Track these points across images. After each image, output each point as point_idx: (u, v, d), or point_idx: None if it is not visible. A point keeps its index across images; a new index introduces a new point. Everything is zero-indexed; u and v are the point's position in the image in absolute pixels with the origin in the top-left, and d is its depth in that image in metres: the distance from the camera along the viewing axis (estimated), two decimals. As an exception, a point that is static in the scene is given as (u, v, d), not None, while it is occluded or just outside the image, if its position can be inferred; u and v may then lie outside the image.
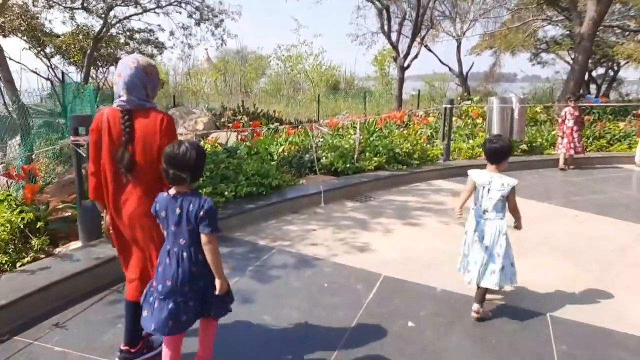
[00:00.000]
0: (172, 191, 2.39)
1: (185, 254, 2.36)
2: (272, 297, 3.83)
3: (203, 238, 2.34)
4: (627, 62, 26.46)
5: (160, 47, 16.60)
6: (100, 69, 18.35)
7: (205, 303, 2.45)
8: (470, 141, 9.87)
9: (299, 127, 13.08)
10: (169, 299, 2.36)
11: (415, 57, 17.16)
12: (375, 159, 7.95)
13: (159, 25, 15.67)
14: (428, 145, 9.22)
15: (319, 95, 21.59)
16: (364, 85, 33.66)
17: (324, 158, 7.83)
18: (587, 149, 10.02)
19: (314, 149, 6.77)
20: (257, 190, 6.05)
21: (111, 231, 2.75)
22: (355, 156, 7.53)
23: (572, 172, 8.96)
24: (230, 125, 13.81)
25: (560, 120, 9.24)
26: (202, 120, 13.46)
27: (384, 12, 15.84)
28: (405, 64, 16.47)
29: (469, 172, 3.70)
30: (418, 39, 17.27)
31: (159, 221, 2.46)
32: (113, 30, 15.32)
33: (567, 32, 25.57)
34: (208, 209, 2.31)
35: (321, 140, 8.69)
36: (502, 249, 3.48)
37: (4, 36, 15.09)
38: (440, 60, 24.20)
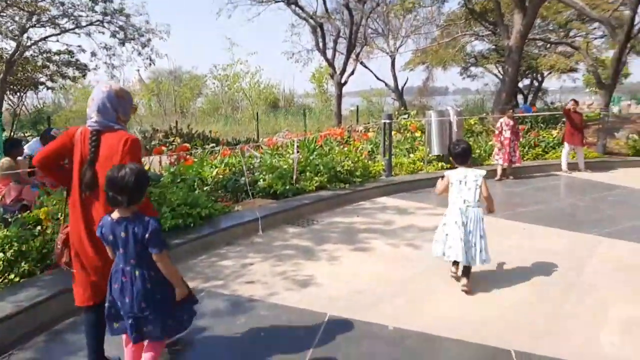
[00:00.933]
0: (115, 215, 2.45)
1: (137, 273, 2.46)
2: (196, 358, 3.18)
3: (154, 257, 2.45)
4: (550, 73, 27.80)
5: (83, 69, 15.41)
6: (18, 93, 16.85)
7: (167, 321, 2.56)
8: (412, 155, 9.61)
9: (236, 147, 12.45)
10: (128, 314, 2.48)
11: (352, 73, 17.02)
12: (317, 178, 7.46)
13: (79, 47, 14.44)
14: (369, 162, 8.85)
15: (257, 113, 21.01)
16: (303, 102, 33.42)
17: (261, 180, 7.24)
18: (524, 158, 10.04)
19: (245, 171, 6.16)
20: (184, 222, 5.36)
21: (59, 246, 2.81)
22: (295, 177, 6.99)
23: (512, 183, 8.87)
24: (163, 149, 12.97)
25: (497, 131, 9.14)
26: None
27: (318, 29, 15.59)
28: (343, 81, 16.25)
29: (445, 173, 4.33)
30: (353, 56, 17.14)
31: (106, 244, 2.52)
32: (29, 53, 14.04)
33: (494, 47, 26.56)
34: (152, 231, 2.41)
35: (258, 161, 8.10)
36: (483, 232, 4.12)
37: None
38: (376, 76, 24.34)
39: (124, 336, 2.69)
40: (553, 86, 34.45)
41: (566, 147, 9.79)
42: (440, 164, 9.29)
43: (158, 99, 30.12)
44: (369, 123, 17.22)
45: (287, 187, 7.05)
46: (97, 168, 2.60)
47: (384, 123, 8.68)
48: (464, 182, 4.13)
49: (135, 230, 2.41)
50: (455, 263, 4.21)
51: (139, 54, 14.18)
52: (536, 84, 29.98)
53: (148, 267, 2.48)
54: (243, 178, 7.46)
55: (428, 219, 6.42)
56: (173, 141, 13.39)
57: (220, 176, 8.07)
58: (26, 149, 7.14)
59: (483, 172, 4.17)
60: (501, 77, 28.51)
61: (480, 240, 4.06)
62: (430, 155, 9.39)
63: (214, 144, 13.21)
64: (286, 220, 6.29)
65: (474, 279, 4.19)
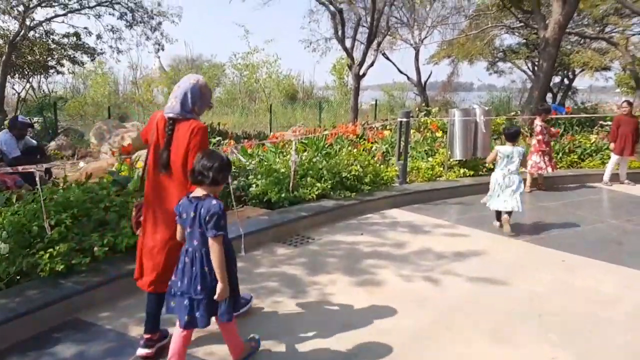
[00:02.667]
0: (192, 195, 2.55)
1: (197, 255, 2.53)
2: None
3: (209, 240, 2.48)
4: (582, 70, 26.11)
5: (92, 53, 14.60)
6: (26, 77, 16.14)
7: (215, 303, 2.56)
8: (430, 159, 8.46)
9: (240, 142, 11.46)
10: (185, 295, 2.54)
11: (372, 64, 15.80)
12: (319, 185, 6.40)
13: (85, 28, 13.61)
14: (382, 165, 7.74)
15: (270, 105, 19.97)
16: (323, 95, 32.26)
17: (254, 185, 6.23)
18: (558, 166, 8.80)
19: (230, 183, 5.17)
20: (148, 240, 4.36)
21: (140, 219, 3.02)
22: (292, 183, 5.95)
23: (544, 195, 7.66)
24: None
25: (538, 136, 7.84)
26: (130, 136, 11.62)
27: (337, 16, 14.41)
28: (361, 72, 15.06)
29: (497, 147, 5.76)
30: (374, 46, 15.93)
31: (179, 222, 2.61)
32: (33, 34, 13.26)
33: (524, 40, 25.00)
34: (213, 213, 2.44)
35: (247, 163, 7.07)
36: (520, 190, 5.50)
37: None
38: (398, 69, 23.13)
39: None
40: (582, 85, 32.57)
41: (614, 157, 8.47)
42: (462, 171, 8.12)
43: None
44: (386, 120, 16.09)
45: (283, 195, 6.02)
46: (171, 149, 2.78)
47: (400, 122, 7.55)
48: (510, 157, 5.53)
49: (202, 210, 2.46)
50: (498, 215, 5.72)
51: (147, 38, 13.25)
52: (566, 82, 28.32)
53: (208, 251, 2.50)
54: (235, 182, 6.48)
55: (447, 240, 5.33)
56: (177, 133, 12.51)
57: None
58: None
59: (523, 149, 5.67)
60: (531, 73, 27.10)
61: (518, 195, 5.49)
62: (451, 160, 8.23)
63: (219, 138, 12.29)
64: (277, 237, 5.26)
65: (521, 340, 3.12)
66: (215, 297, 2.53)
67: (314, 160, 6.94)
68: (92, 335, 3.26)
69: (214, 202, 2.49)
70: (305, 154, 8.78)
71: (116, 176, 5.28)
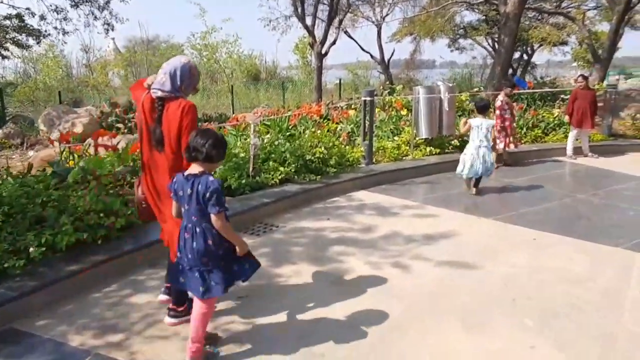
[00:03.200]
0: (187, 172, 2.53)
1: (198, 230, 2.53)
2: None
3: (212, 217, 2.48)
4: (541, 45, 26.39)
5: (37, 35, 13.60)
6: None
7: (230, 270, 2.64)
8: (396, 138, 8.23)
9: (199, 125, 10.94)
10: (193, 269, 2.57)
11: (333, 43, 15.40)
12: (282, 169, 6.06)
13: (27, 9, 12.62)
14: (348, 147, 7.46)
15: (232, 86, 19.33)
16: (287, 75, 31.58)
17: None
18: (522, 141, 8.74)
19: None
20: (91, 236, 3.96)
21: (144, 204, 3.11)
22: (251, 168, 5.59)
23: (510, 171, 7.55)
24: (119, 126, 11.42)
25: (497, 111, 7.74)
26: (82, 122, 10.92)
27: (297, -8, 13.89)
28: (323, 51, 14.64)
29: (469, 120, 6.17)
30: (335, 24, 15.49)
31: (175, 199, 2.63)
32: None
33: (484, 17, 25.00)
34: (213, 190, 2.44)
35: None
36: (489, 159, 6.01)
37: None
38: (361, 47, 22.74)
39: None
40: (540, 60, 33.05)
41: (573, 131, 8.47)
42: (428, 149, 7.94)
43: (132, 69, 28.10)
44: (351, 99, 15.80)
45: (244, 182, 5.66)
46: (163, 128, 2.81)
47: (364, 101, 7.26)
48: (480, 128, 5.95)
49: (199, 187, 2.46)
50: (469, 180, 6.19)
51: (96, 17, 12.41)
52: (525, 57, 28.61)
53: (208, 225, 2.52)
54: (193, 168, 6.06)
55: (416, 222, 5.11)
56: (133, 118, 11.84)
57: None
58: None
59: (492, 122, 6.23)
60: (491, 49, 27.21)
61: (489, 164, 6.00)
62: (417, 138, 8.03)
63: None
64: (238, 227, 4.91)
65: (496, 327, 2.92)
66: (238, 253, 2.64)
67: (277, 143, 6.58)
68: (28, 347, 2.88)
69: (211, 178, 2.49)
70: (268, 136, 8.42)
71: (56, 167, 4.79)
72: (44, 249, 3.63)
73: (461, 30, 27.70)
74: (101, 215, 4.13)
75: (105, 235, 4.06)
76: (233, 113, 16.77)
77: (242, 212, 5.03)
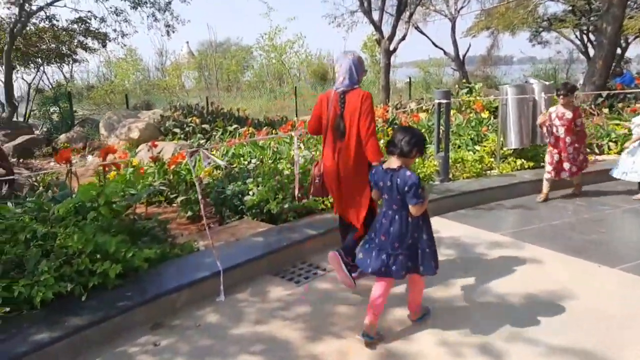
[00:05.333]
0: (385, 166, 2.74)
1: (397, 217, 2.69)
2: None
3: (410, 208, 2.65)
4: (637, 37, 23.20)
5: (102, 38, 13.37)
6: (41, 67, 15.12)
7: (414, 260, 2.72)
8: (477, 148, 6.76)
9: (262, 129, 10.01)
10: (382, 250, 2.71)
11: (403, 38, 13.92)
12: (335, 188, 4.87)
13: (89, 12, 12.36)
14: (417, 160, 6.10)
15: (295, 88, 18.40)
16: (355, 74, 30.25)
17: (250, 192, 4.77)
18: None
19: (196, 184, 3.58)
20: (79, 287, 2.98)
21: (316, 181, 3.53)
22: (296, 191, 4.44)
23: (583, 206, 5.75)
24: (176, 131, 10.76)
25: (546, 123, 5.45)
26: (138, 127, 10.36)
27: (363, -15, 12.61)
28: (391, 47, 13.25)
29: (634, 119, 5.44)
30: (405, 18, 14.03)
31: (376, 188, 2.84)
32: (36, 22, 12.12)
33: (570, 7, 22.31)
34: (411, 184, 2.59)
35: (225, 167, 5.55)
36: None
37: None
38: (433, 43, 20.98)
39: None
40: (630, 54, 29.19)
41: None
42: (519, 162, 6.38)
43: (202, 72, 28.09)
44: (422, 99, 14.26)
45: (287, 206, 4.53)
46: (345, 118, 3.20)
47: (438, 104, 5.88)
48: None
49: (398, 181, 2.63)
50: None
51: (156, 19, 11.86)
52: (619, 50, 25.33)
53: (405, 214, 2.67)
54: (231, 186, 5.03)
55: (510, 271, 3.70)
56: (190, 121, 11.17)
57: (209, 178, 5.72)
58: None
59: None
60: (579, 42, 24.37)
61: None
62: (504, 148, 6.51)
63: (236, 126, 10.89)
64: (274, 268, 3.79)
65: None
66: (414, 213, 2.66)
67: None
68: None
69: (408, 173, 2.62)
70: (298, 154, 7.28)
71: (61, 189, 3.90)
72: (7, 309, 2.69)
73: (544, 22, 25.05)
74: (96, 257, 3.16)
75: (100, 284, 3.08)
76: (296, 116, 15.79)
77: (279, 249, 3.88)
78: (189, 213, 5.22)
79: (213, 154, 7.35)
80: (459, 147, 6.98)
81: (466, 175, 6.02)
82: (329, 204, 4.76)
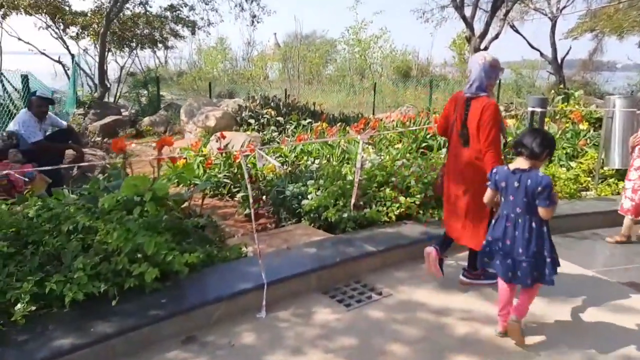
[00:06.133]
0: (512, 166, 2.67)
1: (520, 221, 2.63)
2: None
3: (540, 210, 2.58)
4: None
5: (192, 26, 13.67)
6: (136, 50, 15.83)
7: (541, 269, 2.64)
8: (572, 164, 5.90)
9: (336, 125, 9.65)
10: (508, 255, 2.67)
11: (496, 37, 12.87)
12: (402, 200, 4.37)
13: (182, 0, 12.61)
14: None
15: (375, 84, 17.83)
16: (441, 72, 28.99)
17: (309, 196, 4.40)
18: None
19: (246, 183, 3.19)
20: (114, 288, 2.78)
21: (439, 179, 3.68)
22: (352, 201, 3.98)
23: None
24: (251, 122, 10.69)
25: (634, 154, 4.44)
26: (215, 115, 10.40)
27: (457, -21, 11.76)
28: (482, 46, 12.28)
29: None
30: (500, 15, 12.95)
31: (493, 188, 2.77)
32: (132, 7, 12.61)
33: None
34: (545, 185, 2.54)
35: (279, 167, 5.16)
36: None
37: (28, 13, 12.88)
38: (529, 43, 19.35)
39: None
40: None
41: None
42: (621, 185, 5.47)
43: (286, 64, 28.26)
44: (511, 103, 13.15)
45: (346, 216, 4.11)
46: (468, 126, 3.12)
47: (531, 112, 5.15)
48: None
49: (528, 182, 2.57)
50: None
51: (242, 9, 11.85)
52: None
53: (531, 217, 2.61)
54: (292, 186, 4.71)
55: (608, 325, 3.02)
56: (265, 114, 11.06)
57: (272, 175, 5.45)
58: (12, 125, 5.11)
59: None
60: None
61: None
62: (605, 168, 5.61)
63: (310, 120, 10.61)
64: (324, 285, 3.40)
65: None
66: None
67: (397, 163, 4.89)
68: None
69: (541, 174, 2.59)
70: (399, 145, 6.76)
71: (115, 178, 3.77)
72: (33, 307, 2.54)
73: (659, 25, 22.30)
74: (136, 257, 2.95)
75: (137, 287, 2.87)
76: (373, 113, 15.26)
77: (332, 265, 3.48)
78: (247, 210, 4.98)
79: (280, 149, 7.12)
80: (551, 161, 6.14)
81: (559, 195, 5.23)
82: (393, 217, 4.29)
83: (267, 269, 3.15)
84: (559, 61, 18.55)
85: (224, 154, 6.29)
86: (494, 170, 2.76)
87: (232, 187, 5.80)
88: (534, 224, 2.61)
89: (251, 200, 3.22)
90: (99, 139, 10.34)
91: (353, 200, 3.76)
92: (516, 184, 2.60)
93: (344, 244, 3.80)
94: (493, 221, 2.79)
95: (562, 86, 13.37)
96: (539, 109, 5.10)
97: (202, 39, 21.53)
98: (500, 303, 2.83)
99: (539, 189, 2.53)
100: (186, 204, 4.16)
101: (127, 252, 2.91)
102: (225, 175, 5.90)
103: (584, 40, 23.28)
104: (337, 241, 3.87)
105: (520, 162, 2.63)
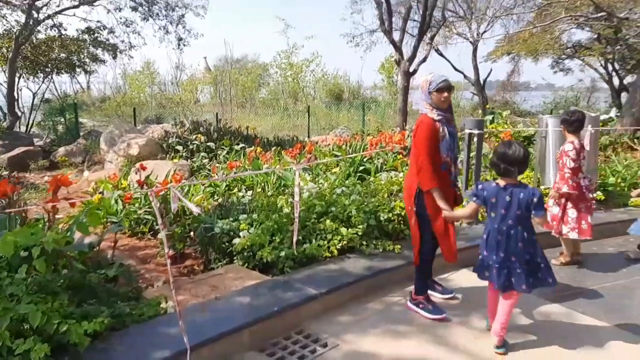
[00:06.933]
0: (501, 182, 2.78)
1: (512, 232, 2.72)
2: None
3: (538, 220, 2.75)
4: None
5: (113, 50, 12.80)
6: (51, 75, 14.59)
7: (535, 275, 2.76)
8: (509, 184, 5.84)
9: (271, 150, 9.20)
10: (503, 266, 2.74)
11: (424, 60, 13.15)
12: (344, 231, 3.99)
13: (98, 22, 11.84)
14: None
15: (309, 107, 17.70)
16: (371, 94, 29.56)
17: (241, 234, 3.91)
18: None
19: (162, 232, 2.69)
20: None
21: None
22: (294, 238, 3.57)
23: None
24: (179, 149, 9.99)
25: (567, 165, 4.05)
26: (138, 143, 9.63)
27: (384, 4, 11.88)
28: (411, 69, 12.46)
29: None
30: (427, 39, 13.26)
31: (478, 202, 2.83)
32: (46, 31, 11.59)
33: (596, 35, 21.41)
34: (540, 196, 2.69)
35: (197, 212, 4.62)
36: None
37: None
38: (453, 66, 20.18)
39: (488, 283, 2.90)
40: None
41: None
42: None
43: (217, 87, 27.59)
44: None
45: (283, 254, 3.66)
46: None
47: (469, 134, 5.02)
48: None
49: (520, 195, 2.69)
50: None
51: (167, 32, 11.24)
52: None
53: (523, 228, 2.73)
54: (220, 224, 4.18)
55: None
56: (195, 139, 10.42)
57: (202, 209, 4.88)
58: None
59: None
60: (603, 71, 23.36)
61: None
62: (542, 187, 5.58)
63: (244, 145, 10.12)
64: (260, 342, 2.91)
65: None
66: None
67: (337, 192, 4.53)
68: None
69: (530, 187, 2.75)
70: (337, 169, 6.45)
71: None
72: None
73: (568, 49, 24.13)
74: (23, 329, 2.33)
75: (20, 367, 2.24)
76: (309, 136, 15.02)
77: (267, 316, 3.00)
78: (170, 252, 4.38)
79: (211, 176, 6.54)
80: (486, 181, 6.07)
81: (498, 218, 5.09)
82: (335, 251, 3.89)
83: (190, 328, 2.62)
84: (482, 82, 19.39)
85: (144, 187, 5.65)
86: (480, 187, 2.84)
87: (154, 223, 5.17)
88: (525, 234, 2.72)
89: (167, 250, 2.68)
90: (5, 173, 9.21)
91: (295, 238, 3.32)
92: (507, 199, 2.70)
93: (282, 289, 3.33)
94: (484, 236, 2.83)
95: (487, 106, 13.85)
96: (476, 131, 4.98)
97: (127, 63, 20.41)
98: (490, 308, 2.98)
99: (535, 200, 2.66)
100: (95, 249, 3.53)
101: (7, 325, 2.28)
102: (145, 211, 5.27)
103: (502, 62, 24.71)
104: (274, 285, 3.40)
105: (508, 179, 2.75)
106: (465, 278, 3.92)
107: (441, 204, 3.05)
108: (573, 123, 4.05)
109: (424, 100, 3.15)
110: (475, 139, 4.99)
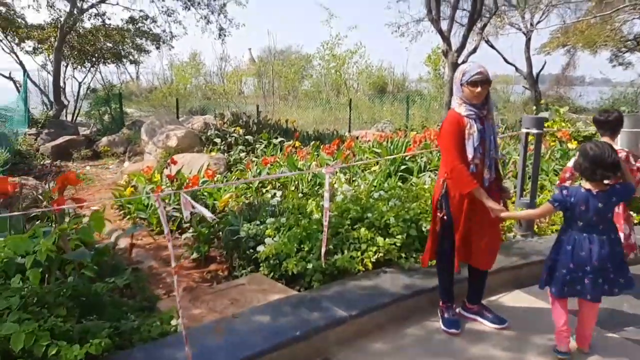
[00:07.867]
0: (588, 186, 2.52)
1: (604, 237, 2.54)
2: None
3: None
4: None
5: (156, 40, 12.76)
6: (97, 65, 14.77)
7: (605, 281, 2.58)
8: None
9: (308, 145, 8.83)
10: (597, 275, 2.54)
11: (473, 51, 12.36)
12: (380, 241, 3.55)
13: (141, 11, 11.78)
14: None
15: (350, 100, 17.15)
16: (417, 87, 28.58)
17: (266, 240, 3.54)
18: None
19: (167, 234, 2.32)
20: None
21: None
22: (323, 250, 3.15)
23: None
24: (217, 141, 9.76)
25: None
26: (177, 134, 9.47)
27: (432, -9, 11.18)
28: (460, 61, 11.71)
29: None
30: (477, 29, 12.44)
31: (560, 208, 2.59)
32: (88, 20, 11.67)
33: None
34: (634, 191, 2.60)
35: (210, 217, 4.21)
36: None
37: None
38: (504, 58, 19.06)
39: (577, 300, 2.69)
40: None
41: None
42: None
43: (261, 79, 27.48)
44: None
45: (311, 266, 3.26)
46: None
47: (526, 134, 4.42)
48: None
49: (613, 199, 2.53)
50: None
51: (208, 21, 11.01)
52: None
53: (610, 232, 2.57)
54: (246, 226, 3.84)
55: None
56: (233, 132, 10.18)
57: (229, 209, 4.58)
58: None
59: None
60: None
61: None
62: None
63: (282, 139, 9.77)
64: (279, 370, 2.54)
65: None
66: None
67: (374, 195, 4.08)
68: None
69: (618, 186, 2.54)
70: (376, 168, 6.00)
71: None
72: None
73: (628, 42, 22.36)
74: (8, 349, 2.04)
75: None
76: (349, 131, 14.52)
77: (290, 341, 2.61)
78: (194, 255, 4.09)
79: (244, 174, 6.23)
80: (542, 187, 5.44)
81: (556, 228, 4.49)
82: (369, 264, 3.45)
83: (198, 355, 2.27)
84: (535, 76, 18.24)
85: (174, 182, 5.41)
86: (565, 192, 2.58)
87: (182, 221, 4.90)
88: (612, 235, 2.59)
89: (173, 264, 2.33)
90: (47, 162, 9.30)
91: (324, 249, 2.92)
92: (599, 205, 2.50)
93: (307, 307, 2.93)
94: (567, 247, 2.59)
95: (542, 101, 12.91)
96: (534, 130, 4.38)
97: (174, 54, 20.54)
98: (562, 321, 2.71)
99: (632, 196, 2.64)
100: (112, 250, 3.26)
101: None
102: (174, 208, 5.00)
103: (556, 55, 23.21)
104: (299, 302, 3.00)
105: (599, 184, 2.51)
106: (518, 300, 3.39)
107: (490, 203, 2.67)
108: (605, 124, 3.46)
109: (457, 90, 2.80)
110: (533, 139, 4.39)
